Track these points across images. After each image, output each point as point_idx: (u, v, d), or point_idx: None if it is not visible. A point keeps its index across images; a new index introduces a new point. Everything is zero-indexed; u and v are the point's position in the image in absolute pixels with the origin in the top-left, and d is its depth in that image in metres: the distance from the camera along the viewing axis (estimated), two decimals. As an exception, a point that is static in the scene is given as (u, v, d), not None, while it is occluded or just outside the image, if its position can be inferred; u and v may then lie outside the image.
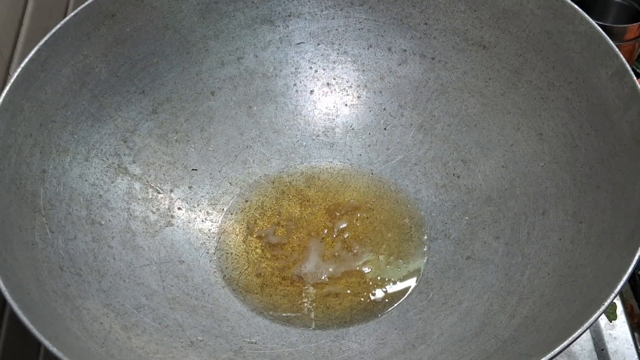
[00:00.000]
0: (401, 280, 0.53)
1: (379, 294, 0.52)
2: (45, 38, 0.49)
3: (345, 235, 0.56)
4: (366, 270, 0.54)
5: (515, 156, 0.54)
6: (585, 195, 0.48)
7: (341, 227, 0.56)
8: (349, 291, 0.53)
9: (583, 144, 0.50)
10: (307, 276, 0.54)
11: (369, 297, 0.52)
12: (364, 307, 0.52)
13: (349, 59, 0.61)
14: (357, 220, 0.56)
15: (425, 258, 0.54)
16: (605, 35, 0.48)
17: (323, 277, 0.53)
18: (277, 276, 0.54)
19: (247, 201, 0.58)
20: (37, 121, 0.49)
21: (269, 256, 0.55)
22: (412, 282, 0.53)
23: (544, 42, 0.52)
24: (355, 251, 0.55)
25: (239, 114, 0.60)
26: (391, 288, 0.53)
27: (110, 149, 0.54)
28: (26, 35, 0.54)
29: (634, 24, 0.69)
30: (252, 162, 0.59)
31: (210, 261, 0.54)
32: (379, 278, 0.53)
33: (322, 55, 0.61)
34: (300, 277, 0.53)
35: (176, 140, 0.58)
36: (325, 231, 0.56)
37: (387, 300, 0.52)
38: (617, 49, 0.48)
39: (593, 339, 0.56)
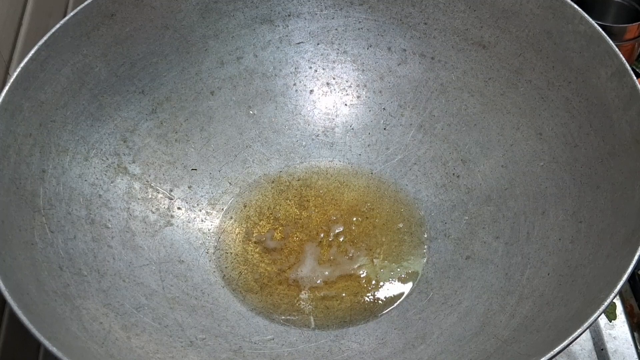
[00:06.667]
0: (397, 282, 0.53)
1: (375, 296, 0.52)
2: (45, 38, 0.49)
3: (341, 239, 0.55)
4: (361, 273, 0.54)
5: (515, 156, 0.54)
6: (585, 195, 0.48)
7: (337, 231, 0.56)
8: (344, 294, 0.52)
9: (583, 143, 0.50)
10: (303, 280, 0.53)
11: (365, 299, 0.52)
12: (363, 307, 0.52)
13: (349, 58, 0.61)
14: (352, 224, 0.56)
15: (425, 258, 0.54)
16: (605, 35, 0.48)
17: (318, 282, 0.53)
18: (274, 280, 0.54)
19: (245, 206, 0.58)
20: (37, 121, 0.49)
21: (266, 260, 0.55)
22: (409, 285, 0.53)
23: (544, 41, 0.52)
24: (350, 255, 0.55)
25: (238, 113, 0.60)
26: (387, 291, 0.53)
27: (109, 149, 0.54)
28: (26, 35, 0.54)
29: (633, 24, 0.69)
30: (252, 161, 0.59)
31: (210, 261, 0.54)
32: (373, 282, 0.53)
33: (321, 55, 0.61)
34: (296, 281, 0.53)
35: (176, 140, 0.58)
36: (322, 235, 0.56)
37: (385, 300, 0.52)
38: (616, 49, 0.48)
39: (593, 338, 0.56)
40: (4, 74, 0.51)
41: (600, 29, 0.49)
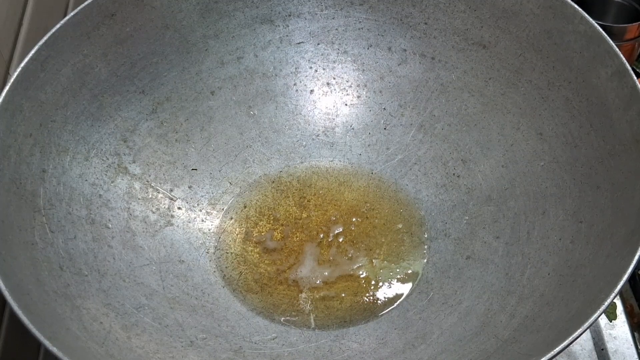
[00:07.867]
0: (397, 282, 0.53)
1: (375, 296, 0.52)
2: (45, 38, 0.49)
3: (341, 240, 0.55)
4: (361, 274, 0.54)
5: (515, 156, 0.54)
6: (585, 195, 0.48)
7: (337, 231, 0.56)
8: (344, 294, 0.52)
9: (583, 143, 0.50)
10: (303, 280, 0.53)
11: (365, 300, 0.52)
12: (363, 307, 0.52)
13: (349, 58, 0.61)
14: (352, 224, 0.56)
15: (425, 258, 0.54)
16: (605, 35, 0.48)
17: (318, 282, 0.53)
18: (274, 280, 0.54)
19: (245, 206, 0.58)
20: (37, 121, 0.49)
21: (266, 261, 0.55)
22: (409, 285, 0.53)
23: (544, 41, 0.52)
24: (350, 255, 0.55)
25: (238, 113, 0.60)
26: (387, 291, 0.53)
27: (110, 149, 0.54)
28: (26, 35, 0.54)
29: (633, 24, 0.69)
30: (252, 161, 0.59)
31: (210, 261, 0.54)
32: (373, 282, 0.53)
33: (322, 54, 0.61)
34: (296, 281, 0.53)
35: (176, 140, 0.58)
36: (321, 235, 0.56)
37: (385, 301, 0.52)
38: (617, 49, 0.48)
39: (593, 338, 0.56)
40: (4, 74, 0.51)
41: (601, 29, 0.49)
